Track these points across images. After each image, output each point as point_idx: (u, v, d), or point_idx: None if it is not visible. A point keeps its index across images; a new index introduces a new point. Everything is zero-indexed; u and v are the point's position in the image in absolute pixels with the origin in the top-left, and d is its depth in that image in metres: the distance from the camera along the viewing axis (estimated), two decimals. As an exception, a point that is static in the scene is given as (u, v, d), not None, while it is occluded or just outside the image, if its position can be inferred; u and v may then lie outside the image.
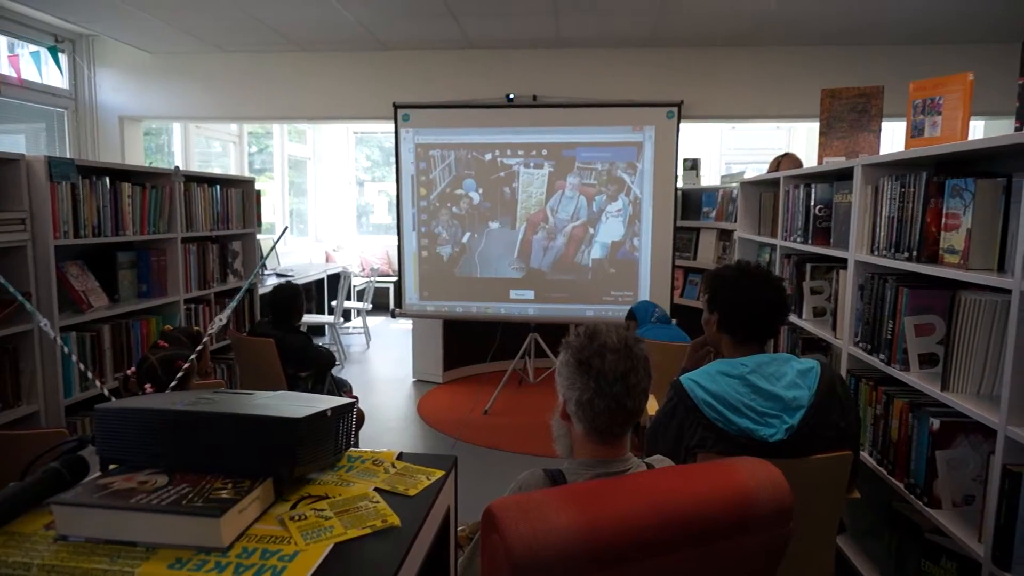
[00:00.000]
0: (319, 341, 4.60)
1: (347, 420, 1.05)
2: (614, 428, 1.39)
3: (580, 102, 5.28)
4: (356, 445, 1.10)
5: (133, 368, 2.32)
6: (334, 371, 3.85)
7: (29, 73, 5.06)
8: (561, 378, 1.43)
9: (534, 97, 5.51)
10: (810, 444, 1.71)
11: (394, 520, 0.88)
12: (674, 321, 4.37)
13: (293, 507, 0.91)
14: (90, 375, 1.10)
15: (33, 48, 5.09)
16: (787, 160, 4.14)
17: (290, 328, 3.60)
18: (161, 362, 2.28)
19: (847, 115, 3.01)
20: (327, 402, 1.00)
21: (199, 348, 1.39)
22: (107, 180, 3.19)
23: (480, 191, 5.23)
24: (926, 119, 2.30)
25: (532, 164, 5.16)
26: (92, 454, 1.01)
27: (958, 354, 1.88)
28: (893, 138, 7.08)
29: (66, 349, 1.16)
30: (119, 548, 0.81)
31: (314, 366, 3.62)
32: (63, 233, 2.89)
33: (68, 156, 5.28)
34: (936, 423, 1.94)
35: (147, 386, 2.18)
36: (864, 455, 2.32)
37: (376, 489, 0.98)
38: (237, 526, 0.83)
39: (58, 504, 0.84)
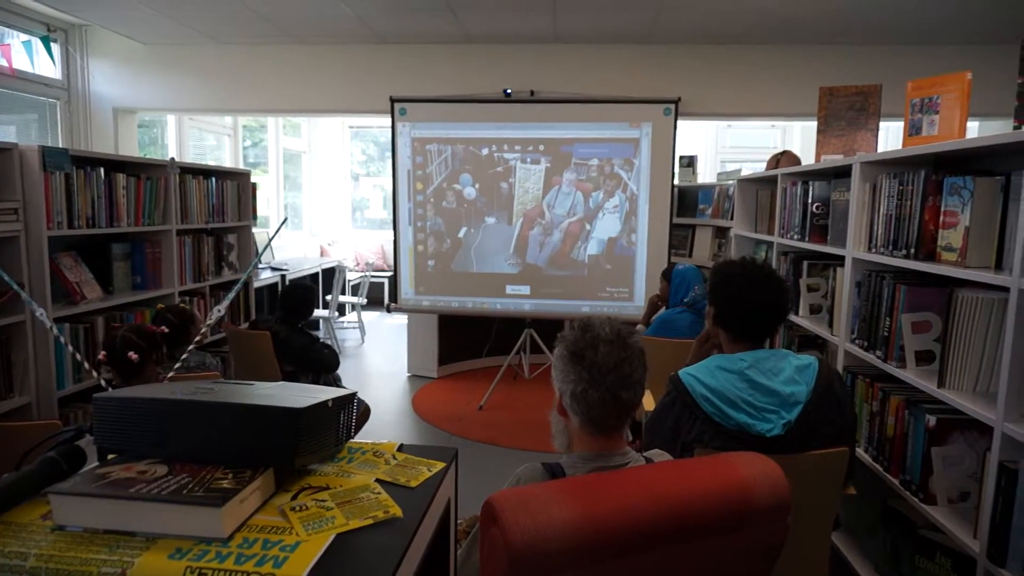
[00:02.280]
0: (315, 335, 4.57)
1: (348, 411, 1.05)
2: (609, 420, 1.39)
3: (578, 98, 5.27)
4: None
5: (103, 352, 2.32)
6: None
7: (21, 63, 5.01)
8: (556, 371, 1.43)
9: (532, 92, 5.50)
10: (807, 440, 1.72)
11: (396, 511, 0.88)
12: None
13: (294, 498, 0.90)
14: (87, 365, 1.09)
15: (25, 37, 5.04)
16: (786, 158, 4.15)
17: (294, 328, 3.57)
18: (132, 331, 2.28)
19: (845, 113, 3.01)
20: (328, 393, 1.00)
21: (209, 323, 1.38)
22: (101, 171, 3.16)
23: (477, 186, 5.22)
24: (924, 117, 2.31)
25: (529, 159, 5.15)
26: (89, 444, 1.00)
27: (955, 351, 1.88)
28: (888, 138, 7.10)
29: (61, 338, 1.15)
30: (118, 538, 0.80)
31: (313, 370, 3.59)
32: (56, 224, 2.87)
33: (61, 146, 5.24)
34: (932, 420, 1.95)
35: (131, 354, 2.18)
36: (860, 451, 2.33)
37: (377, 480, 0.97)
38: (238, 516, 0.82)
39: (55, 494, 0.83)
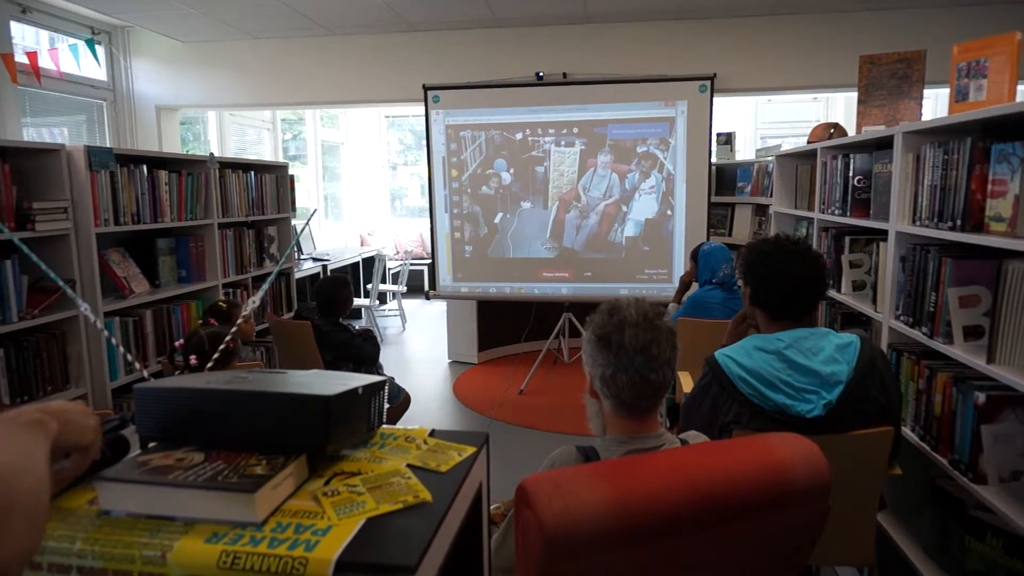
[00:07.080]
0: (356, 324, 4.61)
1: (379, 397, 1.06)
2: (640, 402, 1.39)
3: (610, 78, 5.20)
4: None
5: (181, 341, 2.44)
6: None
7: (68, 66, 5.16)
8: (586, 356, 1.43)
9: (564, 75, 5.45)
10: (849, 420, 1.68)
11: (425, 495, 0.89)
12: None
13: (327, 483, 0.92)
14: (130, 358, 1.13)
15: (71, 41, 5.20)
16: (838, 131, 4.00)
17: (334, 322, 3.58)
18: (209, 336, 2.40)
19: (887, 82, 2.91)
20: (358, 380, 1.01)
21: (239, 321, 1.42)
22: (144, 168, 3.25)
23: (511, 171, 5.21)
24: (971, 83, 2.21)
25: (563, 142, 5.11)
26: (133, 433, 1.03)
27: (1005, 325, 1.81)
28: (937, 105, 6.83)
29: (107, 333, 1.19)
30: (158, 523, 0.83)
31: (354, 361, 3.62)
32: (104, 221, 2.96)
33: (107, 146, 5.40)
34: (981, 397, 1.88)
35: (192, 357, 2.30)
36: (906, 430, 2.27)
37: (408, 465, 0.98)
38: (271, 501, 0.84)
39: (100, 480, 0.86)
